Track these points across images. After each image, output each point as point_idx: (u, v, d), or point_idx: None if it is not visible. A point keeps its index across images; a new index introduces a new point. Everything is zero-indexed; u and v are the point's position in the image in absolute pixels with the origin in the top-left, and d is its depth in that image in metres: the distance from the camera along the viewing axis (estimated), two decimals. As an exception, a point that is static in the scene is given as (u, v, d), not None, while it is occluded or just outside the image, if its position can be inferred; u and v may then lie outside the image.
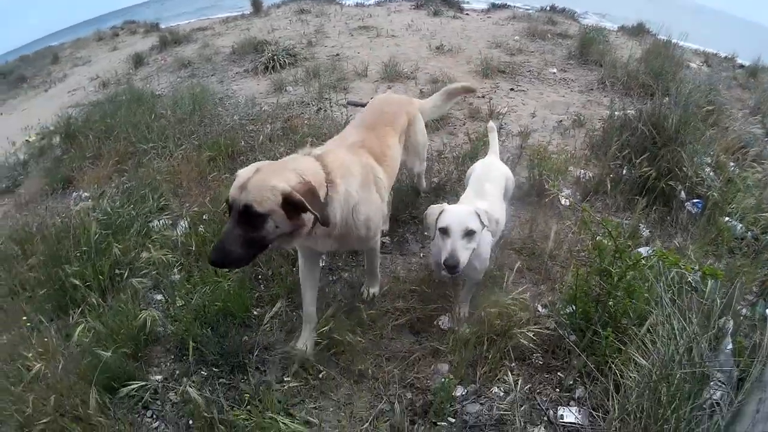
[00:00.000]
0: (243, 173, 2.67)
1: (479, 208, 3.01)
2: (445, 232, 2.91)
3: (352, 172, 3.07)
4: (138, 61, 13.20)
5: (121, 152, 6.65)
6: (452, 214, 2.94)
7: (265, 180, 2.58)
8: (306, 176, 2.68)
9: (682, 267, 2.89)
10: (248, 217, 2.53)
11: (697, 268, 2.99)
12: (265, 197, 2.53)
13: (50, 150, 8.43)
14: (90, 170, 6.51)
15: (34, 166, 8.19)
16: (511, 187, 3.99)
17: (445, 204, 3.10)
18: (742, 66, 12.18)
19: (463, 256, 2.84)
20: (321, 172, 2.84)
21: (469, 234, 2.88)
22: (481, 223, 2.94)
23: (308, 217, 2.69)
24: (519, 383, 3.05)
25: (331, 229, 2.89)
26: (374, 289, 3.89)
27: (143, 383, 3.17)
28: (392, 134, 3.78)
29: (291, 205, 2.57)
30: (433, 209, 3.07)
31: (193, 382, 3.16)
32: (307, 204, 2.57)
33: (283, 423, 2.77)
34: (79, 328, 3.44)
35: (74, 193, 6.31)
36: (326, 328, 3.39)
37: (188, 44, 14.03)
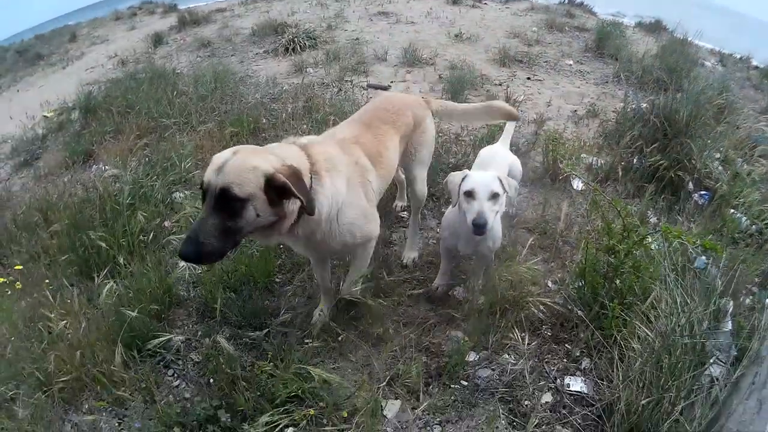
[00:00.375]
0: (219, 156, 2.43)
1: (500, 174, 3.12)
2: (470, 194, 2.98)
3: (338, 167, 2.82)
4: (157, 40, 13.21)
5: (142, 127, 6.77)
6: (477, 177, 3.03)
7: (246, 161, 2.37)
8: (288, 161, 2.48)
9: (684, 239, 3.02)
10: (226, 202, 2.31)
11: (698, 242, 3.11)
12: (245, 179, 2.31)
13: (69, 125, 8.52)
14: (111, 144, 6.61)
15: (53, 141, 8.30)
16: (517, 175, 4.06)
17: (466, 170, 3.21)
18: (757, 67, 12.21)
19: (490, 217, 2.93)
20: (305, 161, 2.62)
21: (494, 197, 2.97)
22: (503, 188, 3.04)
23: (291, 208, 2.50)
24: (529, 352, 3.20)
25: (314, 227, 2.71)
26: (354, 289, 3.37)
27: (170, 336, 3.29)
28: (392, 135, 3.41)
29: (274, 190, 2.37)
30: (455, 175, 3.15)
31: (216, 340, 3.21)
32: (292, 187, 2.35)
33: (315, 372, 2.88)
34: (107, 287, 3.55)
35: (94, 166, 6.43)
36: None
37: (207, 25, 14.04)
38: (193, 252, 2.28)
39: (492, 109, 4.16)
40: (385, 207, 4.51)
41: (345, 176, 2.84)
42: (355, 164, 2.98)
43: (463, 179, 3.06)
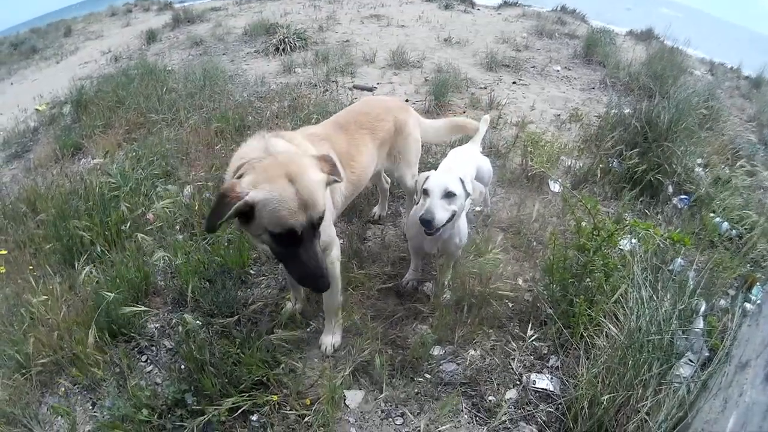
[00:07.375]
0: (286, 194, 2.14)
1: (465, 175, 3.14)
2: (426, 193, 3.01)
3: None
4: (151, 37, 13.30)
5: (131, 122, 6.84)
6: (435, 177, 3.05)
7: (312, 179, 2.25)
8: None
9: (652, 231, 3.05)
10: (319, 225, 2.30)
11: (665, 235, 3.13)
12: (320, 197, 2.27)
13: (60, 118, 8.57)
14: (100, 138, 6.67)
15: (44, 134, 8.34)
16: (486, 176, 4.08)
17: (433, 171, 3.23)
18: (747, 77, 12.29)
19: (439, 215, 2.92)
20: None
21: (448, 195, 2.97)
22: (465, 190, 3.06)
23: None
24: (493, 348, 3.24)
25: None
26: (335, 339, 3.31)
27: (145, 316, 3.39)
28: (368, 139, 3.36)
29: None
30: (423, 175, 3.16)
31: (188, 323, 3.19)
32: (337, 178, 2.44)
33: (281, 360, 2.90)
34: (85, 272, 3.60)
35: (83, 159, 6.48)
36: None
37: (201, 23, 14.17)
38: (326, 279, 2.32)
39: (455, 125, 4.29)
40: (363, 205, 4.60)
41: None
42: None
43: (426, 179, 3.09)
